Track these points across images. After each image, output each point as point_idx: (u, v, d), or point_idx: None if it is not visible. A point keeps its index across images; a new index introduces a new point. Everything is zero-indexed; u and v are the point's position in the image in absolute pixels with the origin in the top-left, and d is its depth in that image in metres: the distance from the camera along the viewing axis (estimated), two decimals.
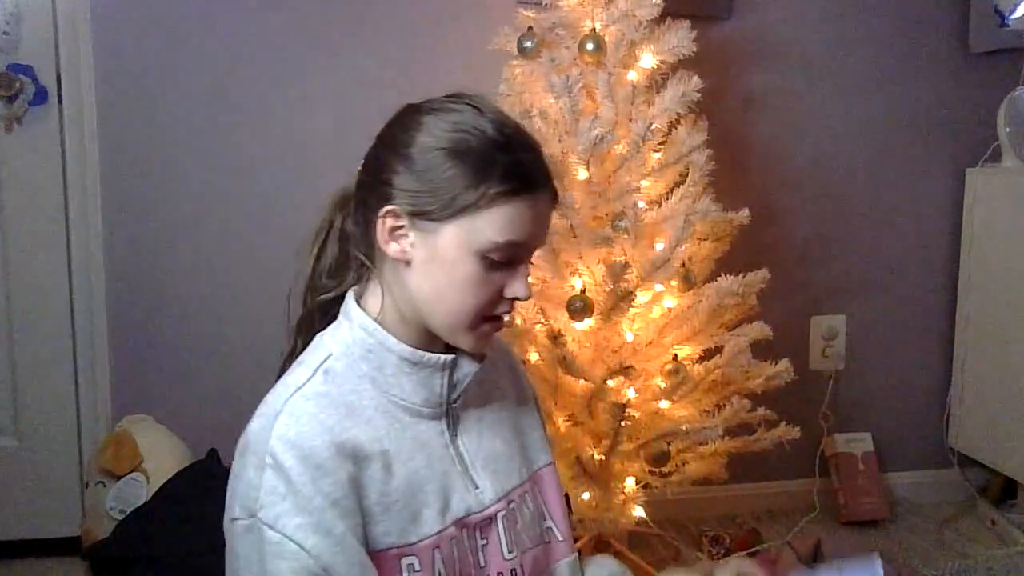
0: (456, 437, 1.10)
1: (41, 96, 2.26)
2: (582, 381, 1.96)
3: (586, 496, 2.07)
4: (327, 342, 1.08)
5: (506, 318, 1.08)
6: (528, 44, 2.05)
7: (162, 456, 2.12)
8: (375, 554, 0.99)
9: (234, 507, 1.00)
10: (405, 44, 2.40)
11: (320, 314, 1.15)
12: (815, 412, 2.68)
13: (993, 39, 2.67)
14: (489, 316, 1.05)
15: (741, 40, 2.55)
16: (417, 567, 1.02)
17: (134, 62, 2.29)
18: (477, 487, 1.09)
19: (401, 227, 1.03)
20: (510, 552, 1.11)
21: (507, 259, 1.02)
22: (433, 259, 1.02)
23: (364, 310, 1.08)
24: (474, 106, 1.04)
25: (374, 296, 1.08)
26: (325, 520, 0.96)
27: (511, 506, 1.13)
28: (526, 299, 1.05)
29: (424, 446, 1.06)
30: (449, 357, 1.07)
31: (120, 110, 2.30)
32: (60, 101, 2.27)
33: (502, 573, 1.10)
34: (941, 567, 2.39)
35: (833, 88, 2.65)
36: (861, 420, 2.76)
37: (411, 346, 1.06)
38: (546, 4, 2.11)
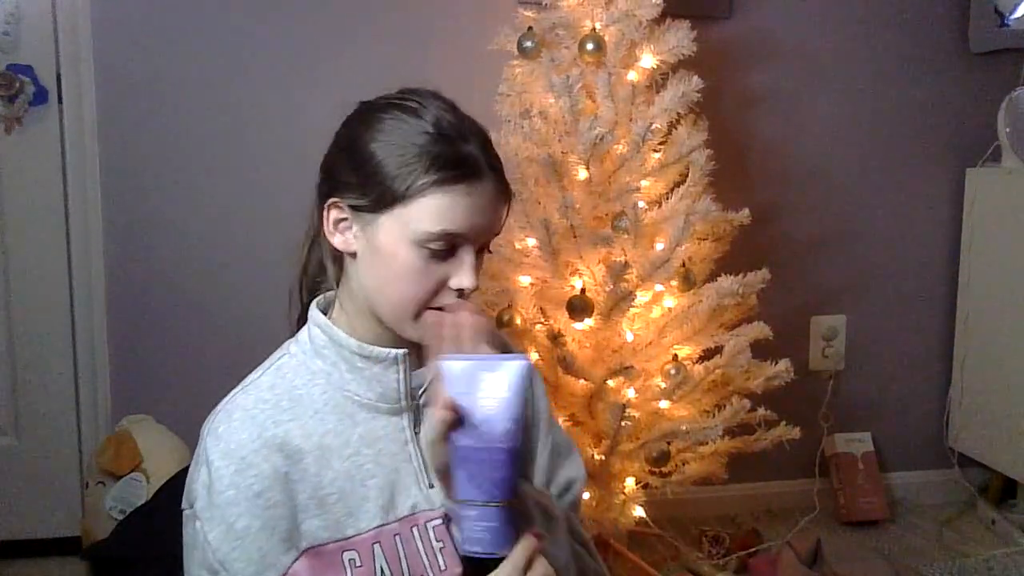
0: (419, 434, 1.09)
1: (41, 96, 2.26)
2: (582, 381, 1.96)
3: (586, 496, 2.07)
4: (290, 343, 1.13)
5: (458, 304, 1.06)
6: (528, 44, 2.05)
7: (162, 456, 2.12)
8: (315, 549, 1.01)
9: (184, 498, 1.06)
10: (405, 44, 2.40)
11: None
12: (815, 412, 2.68)
13: (993, 39, 2.67)
14: (435, 306, 1.04)
15: (741, 40, 2.55)
16: (358, 562, 1.02)
17: (134, 62, 2.29)
18: (432, 486, 1.07)
19: (344, 219, 1.06)
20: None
21: (447, 248, 1.02)
22: (374, 250, 1.04)
23: (324, 310, 1.12)
24: (418, 100, 1.06)
25: (340, 293, 1.12)
26: (230, 514, 1.00)
27: None
28: (472, 289, 1.04)
29: (376, 441, 1.06)
30: (400, 352, 1.07)
31: (120, 110, 2.30)
32: (60, 101, 2.27)
33: None
34: (941, 567, 2.39)
35: (833, 88, 2.65)
36: (861, 420, 2.76)
37: (366, 342, 1.07)
38: (546, 4, 2.11)
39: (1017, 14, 2.66)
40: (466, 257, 1.04)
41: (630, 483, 2.10)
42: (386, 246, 1.03)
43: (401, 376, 1.07)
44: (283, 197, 2.39)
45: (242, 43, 2.34)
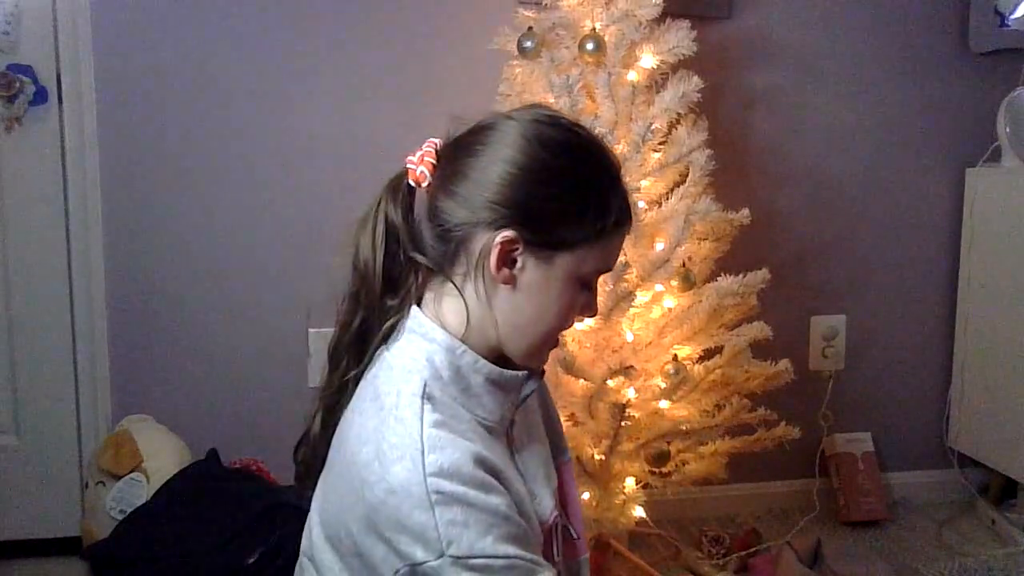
0: (515, 453, 1.13)
1: (41, 96, 2.26)
2: (582, 381, 1.96)
3: (586, 496, 2.07)
4: (407, 364, 1.05)
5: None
6: (528, 44, 2.05)
7: (162, 456, 2.12)
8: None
9: (416, 553, 0.95)
10: (405, 44, 2.40)
11: (378, 326, 1.10)
12: (815, 412, 2.68)
13: (993, 39, 2.67)
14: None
15: (741, 40, 2.55)
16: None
17: (134, 62, 2.29)
18: (535, 497, 1.11)
19: (516, 250, 1.04)
20: (557, 555, 1.14)
21: (594, 282, 1.08)
22: (542, 285, 1.05)
23: (444, 328, 1.06)
24: (589, 133, 1.09)
25: (453, 313, 1.07)
26: (511, 524, 0.98)
27: (560, 523, 1.16)
28: (593, 317, 1.12)
29: (504, 460, 1.08)
30: (525, 374, 1.09)
31: (120, 110, 2.30)
32: (60, 101, 2.27)
33: None
34: (941, 567, 2.39)
35: (833, 88, 2.65)
36: (861, 420, 2.76)
37: (492, 363, 1.07)
38: (546, 4, 2.11)
39: (1017, 14, 2.66)
40: (596, 288, 1.10)
41: (630, 483, 2.10)
42: (557, 281, 1.05)
43: (516, 399, 1.10)
44: (283, 197, 2.40)
45: (242, 43, 2.34)
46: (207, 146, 2.35)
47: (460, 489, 0.95)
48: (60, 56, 2.26)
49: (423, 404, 1.00)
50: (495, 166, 1.04)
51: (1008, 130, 2.58)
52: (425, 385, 1.02)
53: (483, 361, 1.06)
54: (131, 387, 2.37)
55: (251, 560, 1.88)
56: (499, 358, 1.08)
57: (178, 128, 2.33)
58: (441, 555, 0.94)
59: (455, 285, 1.07)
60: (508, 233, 1.02)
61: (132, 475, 2.09)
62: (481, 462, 0.98)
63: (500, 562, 0.95)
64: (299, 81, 2.36)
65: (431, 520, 0.94)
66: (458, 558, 0.94)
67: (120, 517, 2.05)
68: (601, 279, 1.92)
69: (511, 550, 0.95)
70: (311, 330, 2.37)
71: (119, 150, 2.31)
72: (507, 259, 1.04)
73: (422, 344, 1.05)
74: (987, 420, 2.64)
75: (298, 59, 2.36)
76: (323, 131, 2.38)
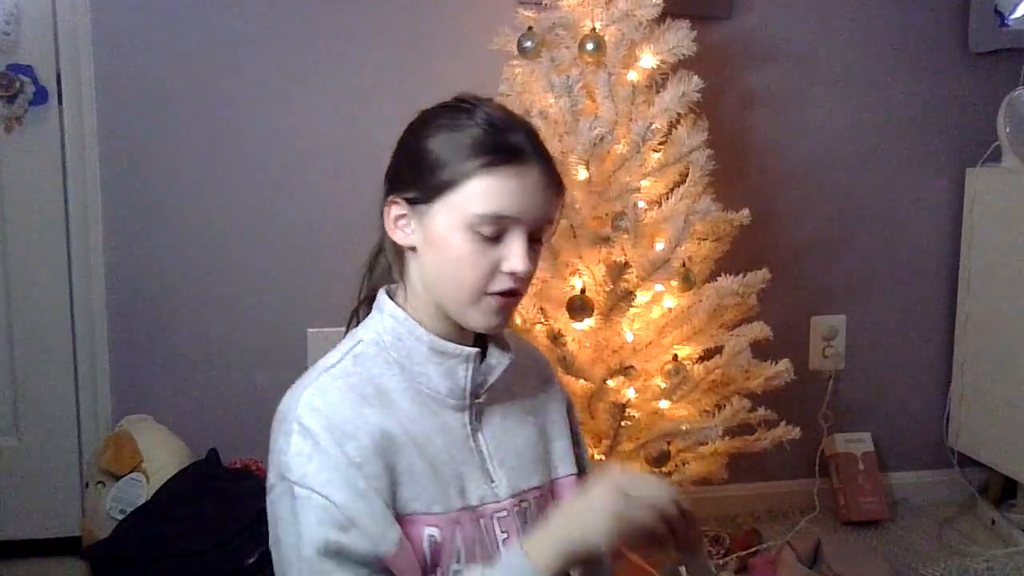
0: (478, 432, 1.14)
1: (41, 96, 2.26)
2: (582, 381, 1.96)
3: None
4: (360, 332, 1.14)
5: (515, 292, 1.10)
6: (528, 44, 2.05)
7: (162, 456, 2.13)
8: (401, 518, 1.03)
9: (270, 477, 1.05)
10: (405, 44, 2.40)
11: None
12: (815, 412, 2.68)
13: (993, 39, 2.67)
14: (492, 292, 1.08)
15: (741, 40, 2.55)
16: (438, 538, 1.05)
17: (134, 62, 2.29)
18: (493, 481, 1.12)
19: (403, 215, 1.10)
20: (495, 545, 1.11)
21: (498, 233, 1.06)
22: (430, 241, 1.08)
23: (396, 303, 1.13)
24: (471, 102, 1.10)
25: (402, 289, 1.14)
26: (350, 476, 1.00)
27: (523, 505, 1.15)
28: (524, 273, 1.07)
29: (447, 433, 1.10)
30: (473, 350, 1.11)
31: (120, 110, 2.30)
32: (60, 101, 2.27)
33: None
34: (941, 567, 2.39)
35: (833, 88, 2.65)
36: (861, 420, 2.76)
37: (439, 336, 1.10)
38: (546, 4, 2.11)
39: (1017, 14, 2.66)
40: (517, 241, 1.06)
41: None
42: (441, 234, 1.06)
43: (469, 374, 1.11)
44: (283, 196, 2.40)
45: (242, 42, 2.34)
46: (207, 146, 2.35)
47: (319, 429, 1.01)
48: (60, 56, 2.26)
49: (342, 358, 1.10)
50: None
51: (1008, 130, 2.58)
52: (358, 344, 1.11)
53: (423, 330, 1.10)
54: (131, 387, 2.37)
55: (251, 560, 1.88)
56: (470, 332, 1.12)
57: (178, 128, 2.33)
58: (283, 478, 1.02)
59: (396, 266, 1.14)
60: (389, 197, 1.10)
61: (132, 475, 2.09)
62: (363, 419, 1.03)
63: (319, 500, 0.99)
64: (299, 81, 2.36)
65: (287, 446, 1.02)
66: (292, 482, 1.01)
67: (120, 517, 2.05)
68: (601, 279, 1.94)
69: (337, 497, 0.99)
70: (311, 330, 2.37)
71: (119, 150, 2.31)
72: (399, 224, 1.10)
73: (377, 317, 1.13)
74: (987, 420, 2.64)
75: (298, 59, 2.36)
76: (323, 131, 2.38)
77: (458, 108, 1.10)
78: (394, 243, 1.12)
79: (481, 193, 1.04)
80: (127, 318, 2.36)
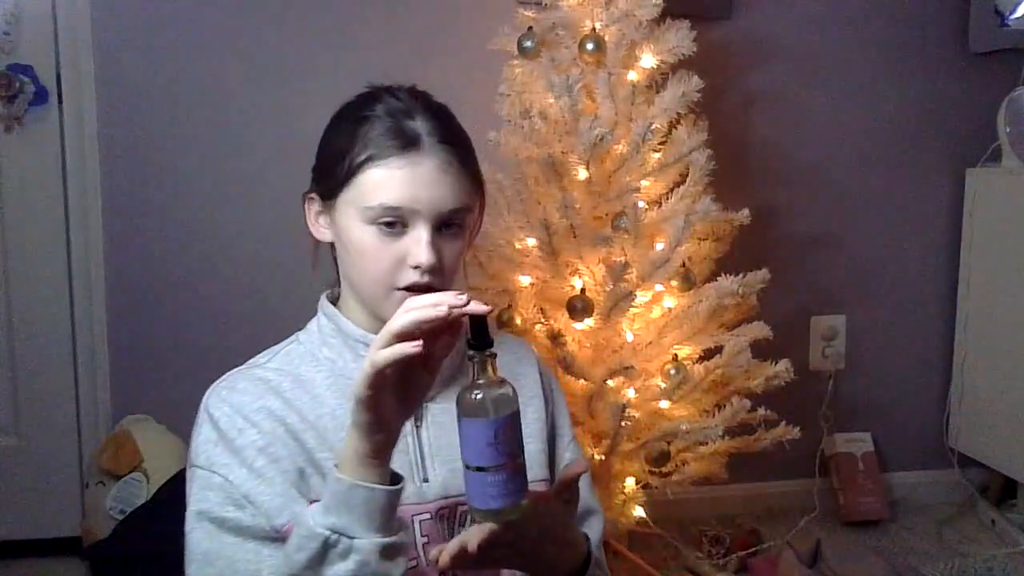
0: (420, 427, 1.10)
1: (41, 96, 2.26)
2: (582, 381, 1.96)
3: None
4: (300, 332, 1.17)
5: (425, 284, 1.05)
6: (528, 44, 2.05)
7: (162, 456, 2.13)
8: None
9: (189, 463, 1.09)
10: (405, 44, 2.40)
11: None
12: (815, 412, 2.68)
13: (993, 39, 2.67)
14: (401, 287, 1.04)
15: (741, 40, 2.55)
16: None
17: (134, 62, 2.29)
18: (426, 480, 1.08)
19: (321, 212, 1.11)
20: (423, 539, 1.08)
21: (397, 224, 1.04)
22: (339, 236, 1.08)
23: (334, 301, 1.15)
24: (378, 89, 1.10)
25: (339, 287, 1.16)
26: (248, 458, 1.03)
27: (460, 510, 1.08)
28: (428, 265, 1.03)
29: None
30: (368, 334, 1.10)
31: (120, 110, 2.30)
32: (60, 101, 2.28)
33: None
34: (941, 567, 2.39)
35: (833, 88, 2.65)
36: (861, 420, 2.76)
37: (370, 332, 1.08)
38: (546, 4, 2.10)
39: (1017, 14, 2.66)
40: (420, 233, 1.03)
41: (630, 483, 2.10)
42: (345, 229, 1.06)
43: None
44: (283, 196, 2.38)
45: (242, 43, 2.34)
46: (207, 146, 2.35)
47: (221, 417, 1.05)
48: (60, 56, 2.27)
49: (273, 356, 1.13)
50: None
51: (1008, 130, 2.58)
52: (292, 342, 1.15)
53: (350, 324, 1.10)
54: (131, 387, 2.37)
55: None
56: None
57: (178, 128, 2.33)
58: (192, 465, 1.07)
59: (334, 263, 1.14)
60: (308, 196, 1.12)
61: (132, 475, 2.09)
62: (268, 410, 1.05)
63: (218, 479, 1.03)
64: (299, 81, 2.36)
65: (197, 435, 1.07)
66: (196, 467, 1.05)
67: (120, 517, 2.05)
68: (601, 279, 1.94)
69: (235, 476, 1.02)
70: None
71: (119, 150, 2.31)
72: (317, 220, 1.11)
73: (316, 316, 1.16)
74: (987, 420, 2.64)
75: (298, 59, 2.36)
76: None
77: (364, 99, 1.09)
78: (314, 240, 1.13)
79: (371, 185, 1.03)
80: (127, 318, 2.36)
